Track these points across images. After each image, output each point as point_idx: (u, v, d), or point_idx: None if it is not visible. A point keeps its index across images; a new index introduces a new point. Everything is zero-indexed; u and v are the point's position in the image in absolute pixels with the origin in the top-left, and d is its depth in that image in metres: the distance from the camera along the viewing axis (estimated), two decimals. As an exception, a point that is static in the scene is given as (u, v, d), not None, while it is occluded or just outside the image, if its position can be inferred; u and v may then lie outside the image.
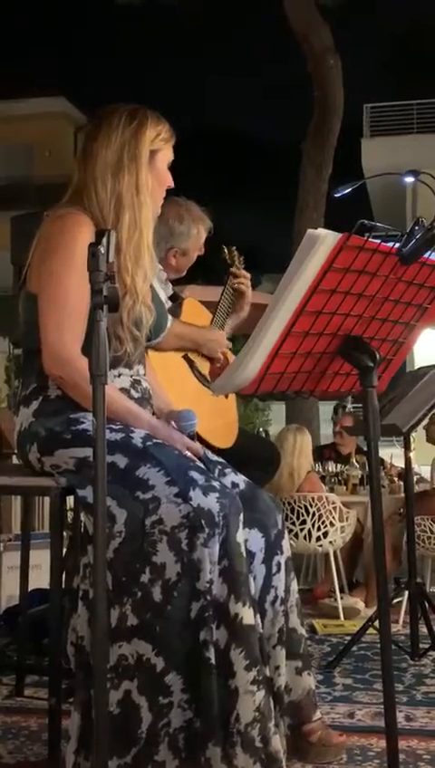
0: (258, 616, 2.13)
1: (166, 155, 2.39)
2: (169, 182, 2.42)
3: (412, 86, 20.71)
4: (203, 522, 2.00)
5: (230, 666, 2.00)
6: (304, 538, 4.89)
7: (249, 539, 2.21)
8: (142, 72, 41.23)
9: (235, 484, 2.32)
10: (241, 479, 2.36)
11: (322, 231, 1.62)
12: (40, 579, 3.36)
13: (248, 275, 3.31)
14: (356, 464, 6.18)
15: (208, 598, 1.99)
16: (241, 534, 2.08)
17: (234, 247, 3.36)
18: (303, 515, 4.91)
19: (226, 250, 3.35)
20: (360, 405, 1.96)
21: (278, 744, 2.04)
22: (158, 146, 2.35)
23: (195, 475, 2.08)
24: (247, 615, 2.03)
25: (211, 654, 1.97)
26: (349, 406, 7.95)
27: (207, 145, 27.10)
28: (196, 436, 2.33)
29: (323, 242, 1.62)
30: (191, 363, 3.12)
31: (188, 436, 2.27)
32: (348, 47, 12.16)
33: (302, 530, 4.89)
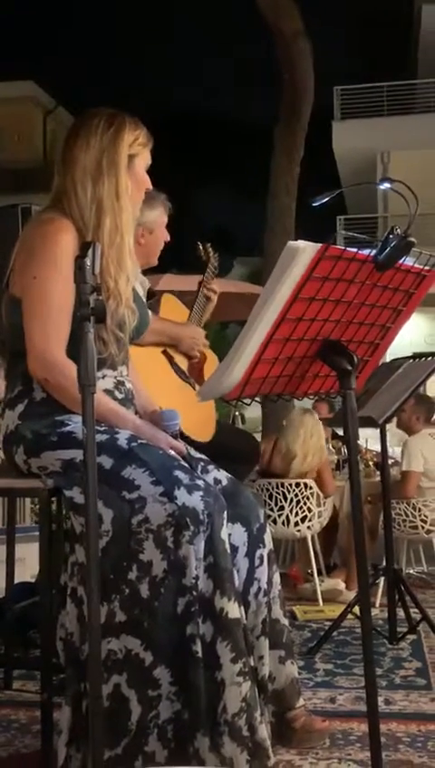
0: (242, 608, 2.20)
1: (144, 158, 2.43)
2: (148, 185, 2.46)
3: (382, 68, 20.76)
4: (188, 520, 2.06)
5: (217, 658, 2.08)
6: (283, 524, 4.97)
7: (232, 533, 2.28)
8: (113, 55, 40.91)
9: (217, 481, 2.38)
10: (223, 475, 2.42)
11: (301, 243, 1.68)
12: (23, 572, 3.42)
13: (218, 290, 3.39)
14: (332, 449, 6.28)
15: (194, 593, 2.06)
16: (225, 531, 2.15)
17: (208, 244, 3.41)
18: (281, 501, 4.99)
19: (200, 247, 3.39)
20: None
21: (264, 732, 2.12)
22: (136, 150, 2.39)
23: (180, 474, 2.14)
24: (232, 609, 2.10)
25: (198, 647, 2.04)
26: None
27: (177, 128, 26.99)
28: (178, 435, 2.39)
29: (302, 253, 1.68)
30: (171, 359, 3.18)
31: (171, 435, 2.33)
32: (317, 29, 12.15)
33: (280, 516, 4.97)
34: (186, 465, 2.25)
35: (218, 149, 30.43)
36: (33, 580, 3.78)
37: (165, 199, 3.36)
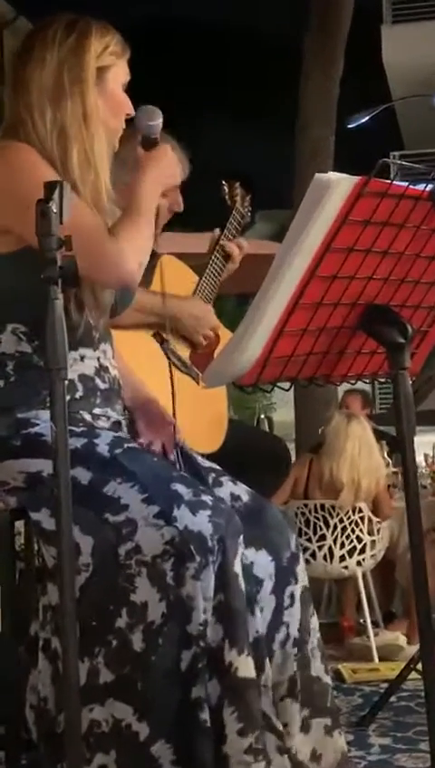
0: (267, 661, 2.20)
1: (119, 73, 2.44)
2: (128, 108, 2.46)
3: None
4: (192, 548, 2.07)
5: (221, 728, 2.08)
6: (324, 558, 4.95)
7: (255, 562, 2.28)
8: None
9: (235, 497, 2.38)
10: (243, 489, 2.42)
11: (333, 175, 1.68)
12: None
13: (244, 245, 3.31)
14: (387, 459, 6.24)
15: (202, 644, 2.06)
16: (239, 562, 2.15)
17: (237, 183, 3.33)
18: (321, 529, 4.97)
19: (225, 186, 3.31)
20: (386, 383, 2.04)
21: None
22: (107, 61, 2.40)
23: (179, 487, 2.15)
24: (244, 666, 2.10)
25: (206, 715, 2.05)
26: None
27: (180, 41, 27.01)
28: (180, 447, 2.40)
29: (335, 189, 1.68)
30: (163, 342, 3.15)
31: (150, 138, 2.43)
32: None
33: (320, 548, 4.95)
34: (186, 475, 2.26)
35: (233, 68, 30.44)
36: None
37: (182, 154, 3.27)
